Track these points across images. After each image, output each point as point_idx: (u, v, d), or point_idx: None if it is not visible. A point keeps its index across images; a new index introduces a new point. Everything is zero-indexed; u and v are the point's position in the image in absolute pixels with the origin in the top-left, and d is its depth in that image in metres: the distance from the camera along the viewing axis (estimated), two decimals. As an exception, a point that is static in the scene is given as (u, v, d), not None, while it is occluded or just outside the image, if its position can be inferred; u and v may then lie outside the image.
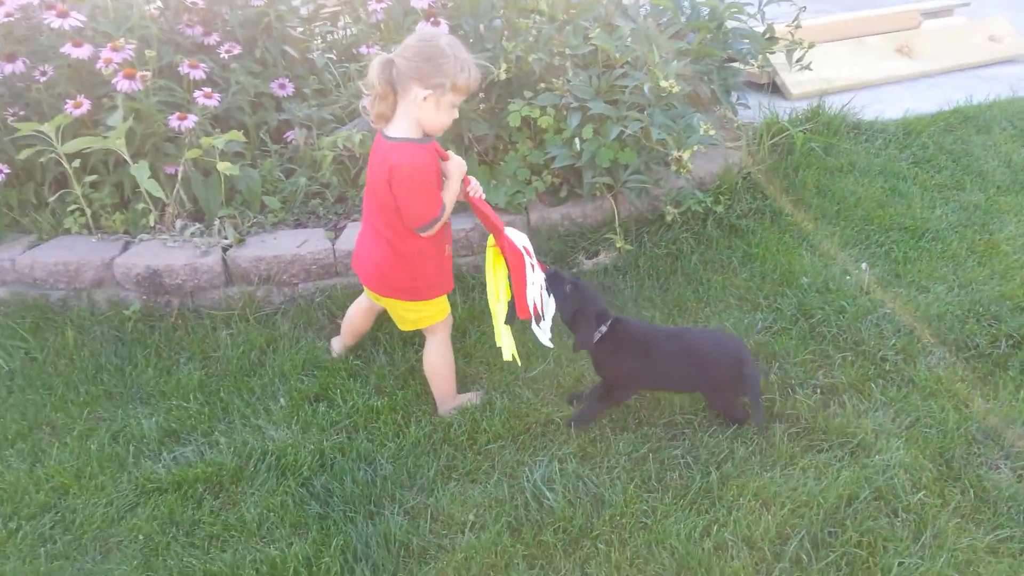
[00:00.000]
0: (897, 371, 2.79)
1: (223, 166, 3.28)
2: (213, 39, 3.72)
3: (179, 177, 3.38)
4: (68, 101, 3.27)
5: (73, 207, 3.42)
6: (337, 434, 2.64)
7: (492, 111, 3.57)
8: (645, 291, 3.26)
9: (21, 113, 3.42)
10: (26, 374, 2.97)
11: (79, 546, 2.32)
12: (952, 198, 3.82)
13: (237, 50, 3.73)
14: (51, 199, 3.45)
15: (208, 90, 3.46)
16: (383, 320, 2.99)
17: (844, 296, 3.12)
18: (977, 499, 2.33)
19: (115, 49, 3.29)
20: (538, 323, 2.45)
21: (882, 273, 3.29)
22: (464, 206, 2.58)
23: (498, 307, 2.52)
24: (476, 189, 2.53)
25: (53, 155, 3.25)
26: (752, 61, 4.09)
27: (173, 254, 3.25)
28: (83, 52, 3.29)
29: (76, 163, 3.29)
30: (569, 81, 3.41)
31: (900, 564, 2.13)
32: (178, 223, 3.39)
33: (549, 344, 2.47)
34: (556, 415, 2.65)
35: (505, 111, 3.43)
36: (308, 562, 2.20)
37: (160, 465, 2.56)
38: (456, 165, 2.47)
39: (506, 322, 2.51)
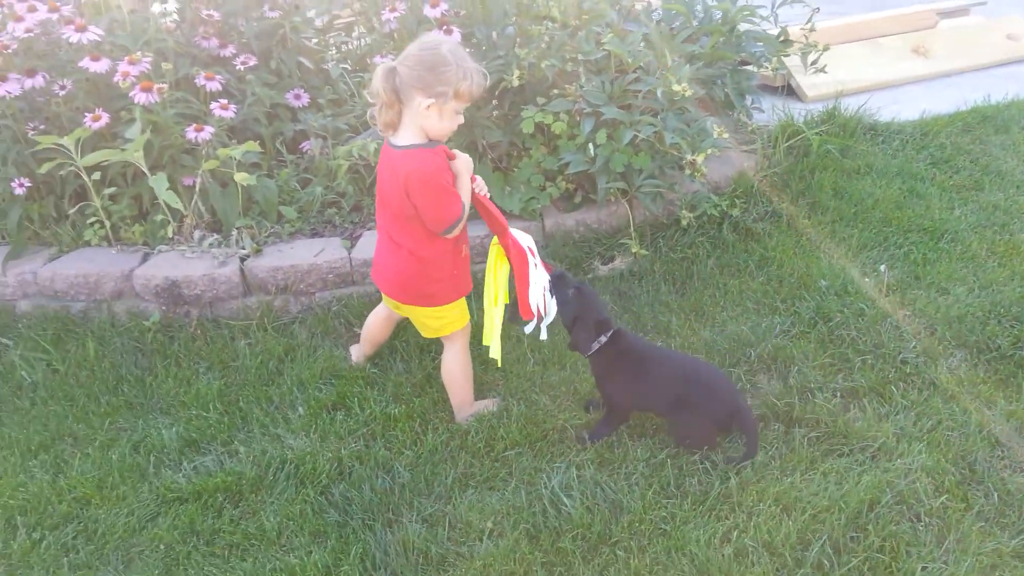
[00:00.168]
0: (918, 374, 2.76)
1: (240, 177, 3.31)
2: (229, 51, 3.76)
3: (197, 188, 3.41)
4: (87, 115, 3.32)
5: (93, 219, 3.46)
6: (355, 442, 2.65)
7: (505, 118, 3.58)
8: (661, 296, 3.24)
9: (41, 127, 3.47)
10: (48, 386, 3.00)
11: (101, 556, 2.34)
12: (971, 199, 3.78)
13: (253, 61, 3.77)
14: (71, 212, 3.50)
15: (224, 102, 3.49)
16: (400, 328, 3.00)
17: (863, 299, 3.10)
18: (1001, 502, 2.30)
19: (132, 62, 3.33)
20: (539, 324, 2.45)
21: (901, 275, 3.25)
22: (473, 211, 2.59)
23: (493, 309, 2.53)
24: (481, 186, 2.53)
25: (73, 168, 3.30)
26: (766, 64, 4.07)
27: (191, 265, 3.28)
28: (101, 66, 3.34)
29: (95, 176, 3.33)
30: (582, 87, 3.41)
31: (923, 569, 2.11)
32: (196, 234, 3.42)
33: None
34: (573, 421, 2.64)
35: (518, 118, 3.44)
36: (327, 570, 2.21)
37: (180, 475, 2.57)
38: (463, 162, 2.48)
39: (510, 320, 2.51)
